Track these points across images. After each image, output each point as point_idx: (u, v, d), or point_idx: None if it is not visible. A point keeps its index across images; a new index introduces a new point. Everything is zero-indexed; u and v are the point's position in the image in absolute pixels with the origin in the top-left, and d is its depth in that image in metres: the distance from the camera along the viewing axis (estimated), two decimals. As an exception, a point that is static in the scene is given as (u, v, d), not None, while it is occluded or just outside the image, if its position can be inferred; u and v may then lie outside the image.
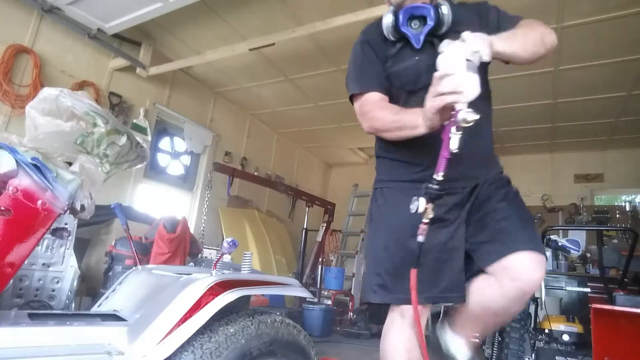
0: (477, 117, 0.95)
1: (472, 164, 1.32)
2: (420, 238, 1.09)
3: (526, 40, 1.18)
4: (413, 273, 1.13)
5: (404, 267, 1.20)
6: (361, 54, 1.41)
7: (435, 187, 1.04)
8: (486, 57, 1.02)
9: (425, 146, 1.24)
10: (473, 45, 1.01)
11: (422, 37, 1.30)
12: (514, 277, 1.18)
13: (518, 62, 1.20)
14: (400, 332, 1.32)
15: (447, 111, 1.00)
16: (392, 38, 1.34)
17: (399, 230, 1.32)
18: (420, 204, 1.04)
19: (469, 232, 1.33)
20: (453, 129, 0.99)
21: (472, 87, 0.97)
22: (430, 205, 1.05)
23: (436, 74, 1.01)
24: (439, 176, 1.03)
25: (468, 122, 0.96)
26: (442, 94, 0.99)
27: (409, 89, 1.34)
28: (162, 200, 5.25)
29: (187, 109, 5.36)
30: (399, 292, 1.28)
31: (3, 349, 1.10)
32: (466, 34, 1.03)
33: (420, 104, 1.12)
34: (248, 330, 1.33)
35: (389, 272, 1.33)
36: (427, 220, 1.06)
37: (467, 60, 0.99)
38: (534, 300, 3.20)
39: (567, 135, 6.01)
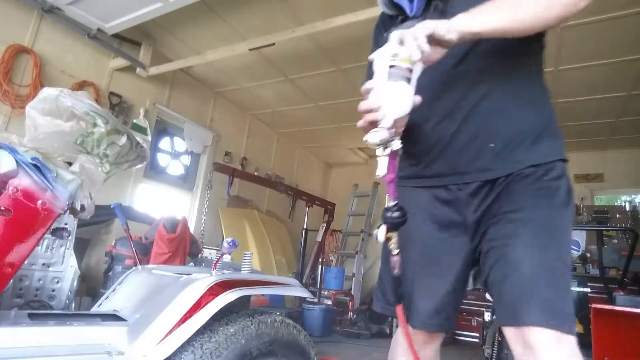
0: (375, 141, 0.81)
1: (471, 152, 1.02)
2: (396, 272, 0.95)
3: (519, 7, 0.88)
4: (399, 310, 0.97)
5: (399, 277, 1.09)
6: (373, 40, 1.27)
7: (395, 214, 0.89)
8: (417, 56, 0.82)
9: (426, 137, 1.07)
10: (392, 48, 0.84)
11: (415, 4, 1.10)
12: None
13: (517, 36, 0.92)
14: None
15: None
16: (389, 12, 1.20)
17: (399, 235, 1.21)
18: (379, 233, 0.91)
19: (481, 245, 1.02)
20: (379, 150, 0.85)
21: (390, 103, 0.81)
22: (393, 234, 0.91)
23: (362, 89, 0.87)
24: (391, 201, 0.90)
25: (375, 145, 0.82)
26: (363, 112, 0.85)
27: None
28: (162, 200, 5.25)
29: (187, 109, 5.36)
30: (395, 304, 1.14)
31: (3, 349, 1.10)
32: (393, 34, 0.85)
33: (425, 86, 0.97)
34: (248, 330, 1.33)
35: (387, 280, 1.19)
36: (395, 252, 0.91)
37: (391, 66, 0.83)
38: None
39: (567, 135, 6.00)
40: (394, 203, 0.90)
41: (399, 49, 0.83)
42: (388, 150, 0.84)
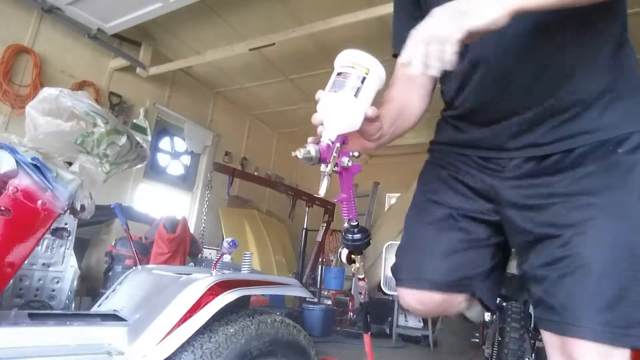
0: (299, 156, 0.73)
1: (521, 126, 0.84)
2: (361, 298, 0.90)
3: None
4: (367, 338, 0.90)
5: (408, 244, 1.03)
6: (394, 3, 1.10)
7: (357, 236, 0.82)
8: (377, 82, 0.73)
9: (476, 110, 0.92)
10: (349, 53, 0.76)
11: None
12: None
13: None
14: None
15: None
16: None
17: (423, 198, 1.05)
18: (342, 254, 0.85)
19: (525, 231, 0.86)
20: (322, 166, 0.76)
21: (330, 116, 0.74)
22: (357, 258, 0.84)
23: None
24: (351, 222, 0.82)
25: (303, 162, 0.73)
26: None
27: None
28: (162, 200, 5.25)
29: (187, 109, 5.36)
30: (403, 270, 1.02)
31: (3, 349, 1.10)
32: (416, 32, 0.69)
33: (478, 56, 0.84)
34: (248, 330, 1.33)
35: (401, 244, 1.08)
36: (361, 276, 0.85)
37: (339, 74, 0.75)
38: (534, 300, 3.19)
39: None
40: (355, 224, 0.83)
41: (357, 55, 0.74)
42: (330, 167, 0.75)
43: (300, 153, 0.72)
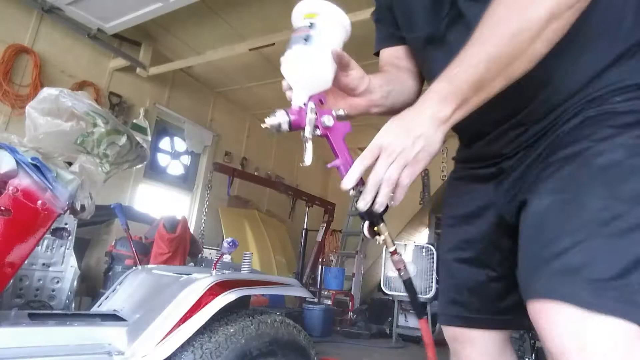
0: (267, 125, 0.65)
1: (511, 126, 0.75)
2: (394, 273, 0.78)
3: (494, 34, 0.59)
4: (422, 324, 0.73)
5: (442, 278, 0.96)
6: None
7: (370, 203, 0.63)
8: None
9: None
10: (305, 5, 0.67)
11: None
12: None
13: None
14: None
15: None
16: None
17: (447, 226, 0.98)
18: (365, 229, 0.69)
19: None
20: (301, 133, 0.67)
21: (292, 77, 0.68)
22: (380, 227, 0.67)
23: None
24: (361, 189, 0.65)
25: (273, 131, 0.65)
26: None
27: (410, 37, 0.89)
28: (162, 200, 5.25)
29: (187, 109, 5.36)
30: (441, 307, 0.95)
31: (3, 349, 1.10)
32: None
33: (433, 62, 0.81)
34: (248, 330, 1.33)
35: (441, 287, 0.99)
36: (392, 249, 0.68)
37: (294, 31, 0.68)
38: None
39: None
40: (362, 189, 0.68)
41: (309, 4, 0.67)
42: (308, 130, 0.65)
43: (268, 121, 0.64)
